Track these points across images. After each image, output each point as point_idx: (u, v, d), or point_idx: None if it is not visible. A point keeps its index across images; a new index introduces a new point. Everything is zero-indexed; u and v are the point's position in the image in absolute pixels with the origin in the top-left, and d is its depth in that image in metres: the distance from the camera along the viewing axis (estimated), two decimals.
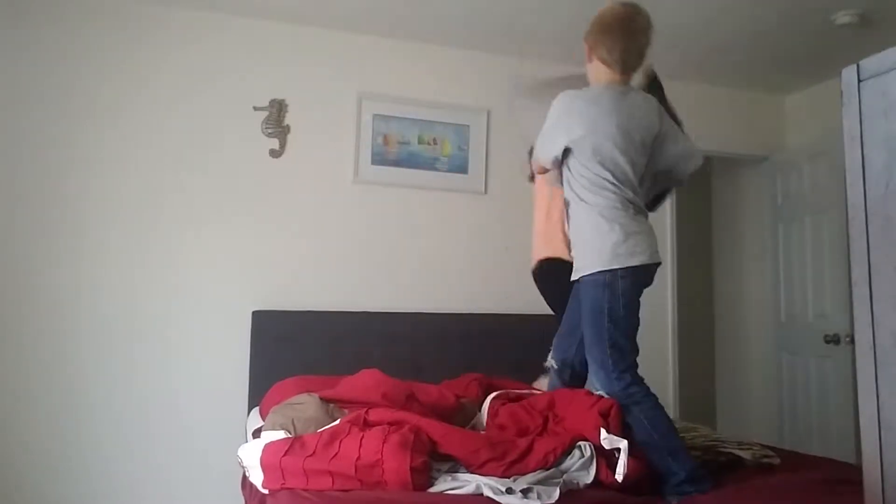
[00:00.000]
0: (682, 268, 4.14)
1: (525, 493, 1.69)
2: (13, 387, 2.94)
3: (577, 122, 2.09)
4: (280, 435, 2.08)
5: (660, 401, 2.02)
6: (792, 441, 3.79)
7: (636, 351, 2.08)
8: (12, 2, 3.04)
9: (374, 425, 1.96)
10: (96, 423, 3.03)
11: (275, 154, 3.38)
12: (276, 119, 3.38)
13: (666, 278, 3.95)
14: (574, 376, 2.28)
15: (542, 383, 2.51)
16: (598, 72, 2.20)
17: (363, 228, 3.47)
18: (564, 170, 2.17)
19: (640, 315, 2.11)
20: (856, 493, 1.47)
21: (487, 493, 1.70)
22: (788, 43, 3.55)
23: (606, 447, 1.83)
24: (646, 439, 1.92)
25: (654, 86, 2.41)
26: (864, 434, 1.38)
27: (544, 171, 2.36)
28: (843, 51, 3.45)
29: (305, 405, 2.25)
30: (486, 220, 3.69)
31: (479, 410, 2.38)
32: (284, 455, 1.85)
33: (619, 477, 1.78)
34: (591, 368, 2.11)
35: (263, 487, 1.88)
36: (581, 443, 1.86)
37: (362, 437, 1.84)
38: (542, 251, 2.71)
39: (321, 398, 2.28)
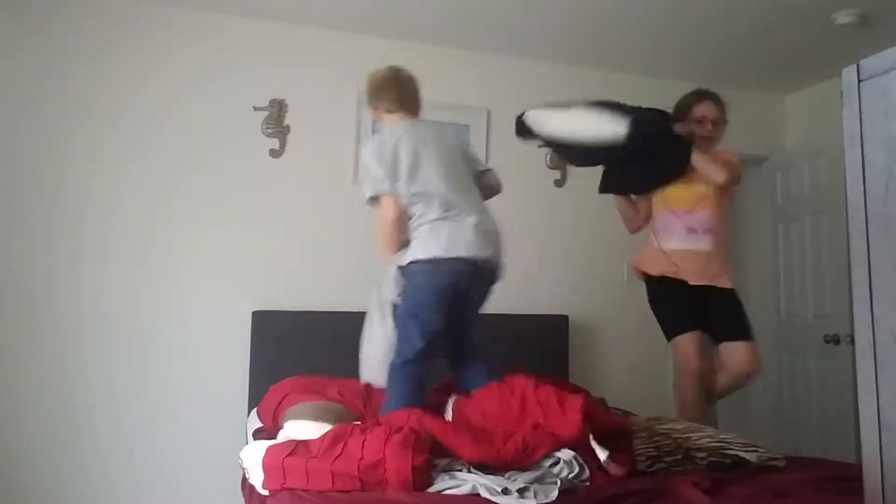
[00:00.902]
0: None
1: (521, 492, 1.69)
2: (13, 387, 2.94)
3: None
4: (307, 425, 2.14)
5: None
6: (792, 441, 3.79)
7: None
8: (12, 2, 3.05)
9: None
10: (96, 423, 3.03)
11: (275, 154, 3.38)
12: (276, 119, 3.38)
13: None
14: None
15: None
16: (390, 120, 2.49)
17: (363, 228, 3.46)
18: None
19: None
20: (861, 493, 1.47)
21: (484, 493, 1.70)
22: (788, 43, 3.55)
23: (602, 459, 1.85)
24: None
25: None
26: (864, 434, 1.38)
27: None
28: (843, 51, 3.45)
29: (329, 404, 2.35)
30: None
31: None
32: (288, 456, 1.86)
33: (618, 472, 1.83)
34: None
35: (264, 488, 1.89)
36: (566, 451, 1.87)
37: (364, 438, 1.85)
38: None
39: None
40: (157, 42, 3.24)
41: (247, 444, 2.33)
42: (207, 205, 3.25)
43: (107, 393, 3.05)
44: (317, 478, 1.79)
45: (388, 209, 2.28)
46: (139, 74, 3.20)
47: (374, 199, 2.33)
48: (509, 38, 3.59)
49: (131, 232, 3.14)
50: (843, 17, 3.19)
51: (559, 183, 3.90)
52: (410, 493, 1.72)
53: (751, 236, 4.48)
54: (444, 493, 1.74)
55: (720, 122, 2.83)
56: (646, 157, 2.67)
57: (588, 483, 1.84)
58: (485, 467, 1.85)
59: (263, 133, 3.37)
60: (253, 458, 1.97)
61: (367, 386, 2.46)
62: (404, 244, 2.30)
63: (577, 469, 1.85)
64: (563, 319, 3.70)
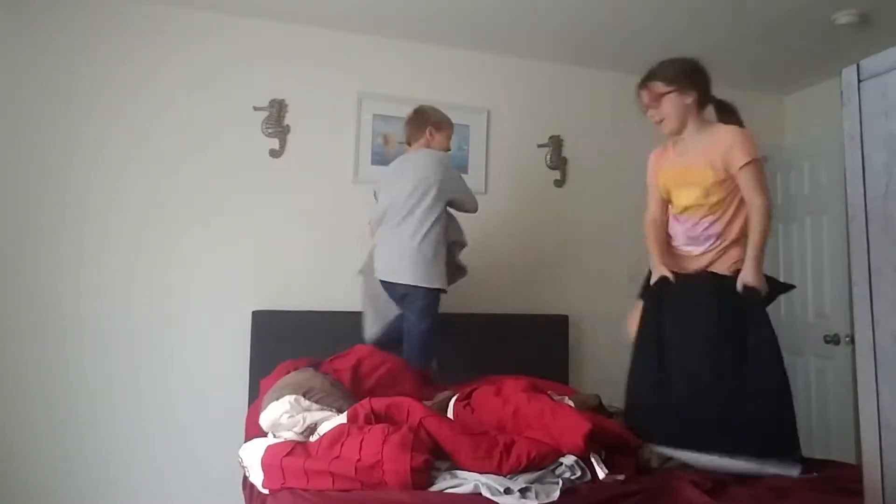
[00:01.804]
0: None
1: (523, 492, 1.68)
2: (13, 387, 2.94)
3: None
4: (288, 402, 2.15)
5: None
6: None
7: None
8: (12, 2, 3.04)
9: (376, 413, 1.98)
10: (96, 423, 3.03)
11: (275, 154, 3.38)
12: (276, 119, 3.38)
13: None
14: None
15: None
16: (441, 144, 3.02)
17: (363, 228, 3.47)
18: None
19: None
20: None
21: (485, 493, 1.69)
22: (788, 43, 3.55)
23: (602, 477, 1.84)
24: None
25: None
26: (864, 434, 1.38)
27: None
28: (843, 51, 3.46)
29: (303, 376, 2.36)
30: (486, 220, 3.69)
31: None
32: (286, 456, 1.85)
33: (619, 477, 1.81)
34: None
35: (264, 487, 1.89)
36: (568, 457, 1.87)
37: (362, 438, 1.84)
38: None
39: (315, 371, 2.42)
40: (157, 42, 3.24)
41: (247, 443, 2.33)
42: (207, 204, 3.25)
43: (107, 393, 3.05)
44: (317, 478, 1.79)
45: None
46: (139, 74, 3.20)
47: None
48: (509, 38, 3.59)
49: (131, 232, 3.14)
50: (843, 18, 3.19)
51: (559, 183, 3.90)
52: (411, 492, 1.72)
53: None
54: (446, 492, 1.74)
55: (658, 98, 2.49)
56: None
57: (589, 483, 1.83)
58: None
59: (263, 133, 3.37)
60: (252, 456, 1.97)
61: (360, 361, 2.59)
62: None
63: (578, 472, 1.84)
64: (564, 319, 3.70)
